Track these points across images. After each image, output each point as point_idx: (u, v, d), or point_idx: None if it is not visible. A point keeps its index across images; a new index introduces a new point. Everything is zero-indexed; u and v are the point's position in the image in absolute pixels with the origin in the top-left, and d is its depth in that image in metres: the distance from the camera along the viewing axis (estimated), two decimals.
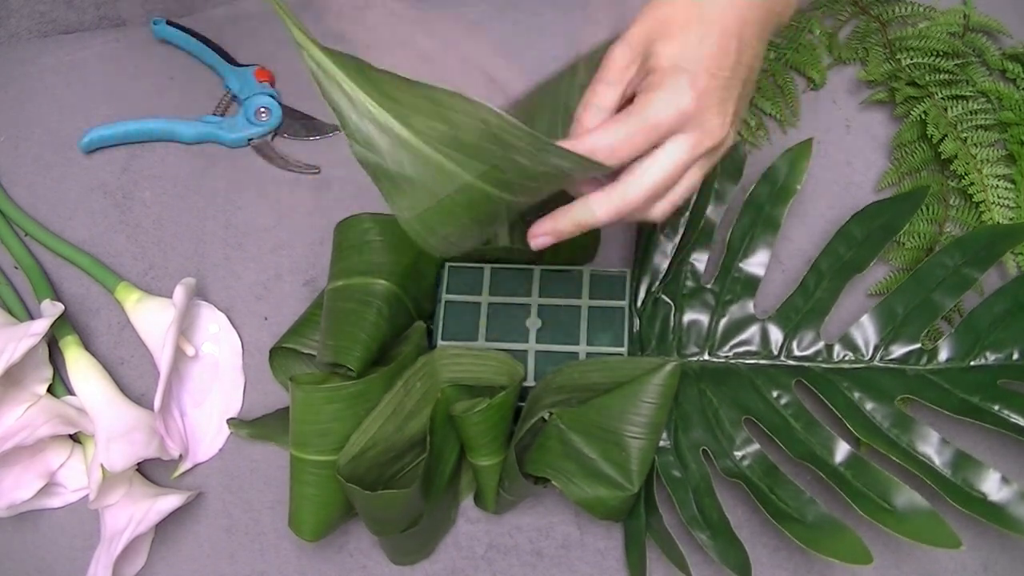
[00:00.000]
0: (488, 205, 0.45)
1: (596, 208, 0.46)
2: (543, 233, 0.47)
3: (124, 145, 0.76)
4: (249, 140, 0.75)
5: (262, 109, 0.75)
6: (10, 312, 0.68)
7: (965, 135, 0.67)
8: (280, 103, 0.76)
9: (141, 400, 0.67)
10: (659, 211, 0.47)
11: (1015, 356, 0.60)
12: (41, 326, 0.62)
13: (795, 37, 0.74)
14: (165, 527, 0.64)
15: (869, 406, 0.60)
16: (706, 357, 0.64)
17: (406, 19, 0.78)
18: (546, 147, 0.41)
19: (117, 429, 0.61)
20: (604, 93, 0.46)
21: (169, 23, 0.78)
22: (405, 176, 0.42)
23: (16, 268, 0.72)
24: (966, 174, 0.66)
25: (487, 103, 0.39)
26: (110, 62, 0.79)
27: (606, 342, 0.62)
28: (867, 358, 0.62)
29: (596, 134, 0.44)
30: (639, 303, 0.65)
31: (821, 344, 0.63)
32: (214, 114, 0.76)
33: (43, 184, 0.75)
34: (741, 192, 0.65)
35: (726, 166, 0.65)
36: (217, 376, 0.68)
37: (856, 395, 0.60)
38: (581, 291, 0.63)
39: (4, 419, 0.61)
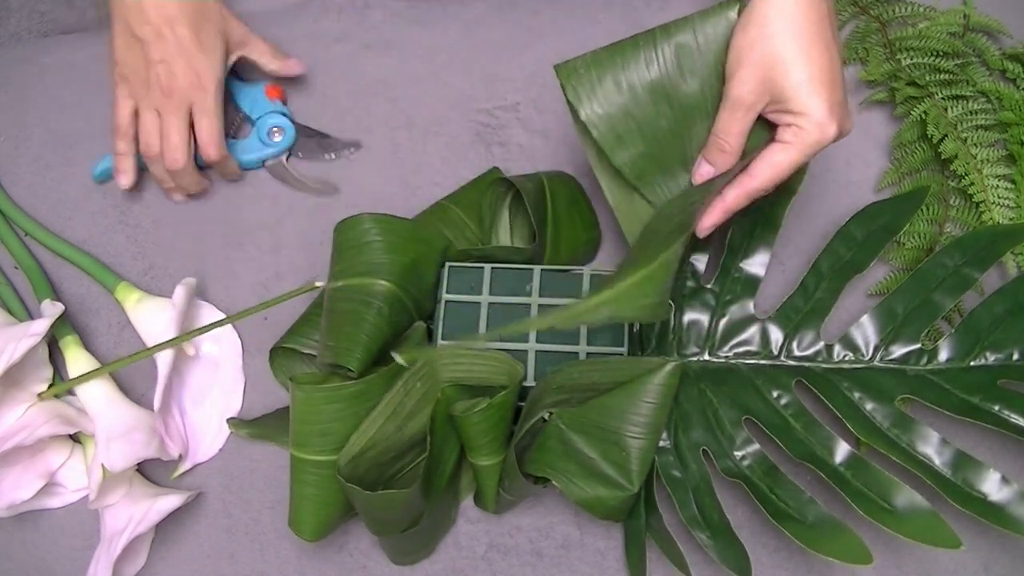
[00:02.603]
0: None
1: (734, 201, 0.57)
2: (711, 224, 0.57)
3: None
4: (263, 162, 0.73)
5: (275, 129, 0.72)
6: (10, 312, 0.68)
7: (965, 135, 0.67)
8: (293, 122, 0.73)
9: (141, 400, 0.67)
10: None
11: (1015, 356, 0.60)
12: (41, 326, 0.62)
13: None
14: (165, 527, 0.64)
15: (869, 406, 0.60)
16: (706, 357, 0.64)
17: (406, 19, 0.78)
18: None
19: (117, 429, 0.61)
20: (745, 120, 0.54)
21: None
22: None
23: (16, 268, 0.72)
24: (966, 174, 0.66)
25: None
26: (110, 62, 0.79)
27: (606, 342, 0.62)
28: (867, 358, 0.62)
29: (775, 171, 0.54)
30: None
31: (821, 344, 0.63)
32: (227, 136, 0.72)
33: (43, 184, 0.75)
34: None
35: None
36: (217, 376, 0.68)
37: (856, 395, 0.60)
38: (581, 291, 0.63)
39: (4, 419, 0.61)
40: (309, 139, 0.74)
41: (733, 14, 0.55)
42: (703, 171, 0.58)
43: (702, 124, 0.57)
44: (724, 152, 0.56)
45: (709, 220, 0.56)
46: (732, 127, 0.54)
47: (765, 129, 0.55)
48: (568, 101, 0.57)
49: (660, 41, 0.56)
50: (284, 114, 0.74)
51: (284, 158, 0.73)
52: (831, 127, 0.52)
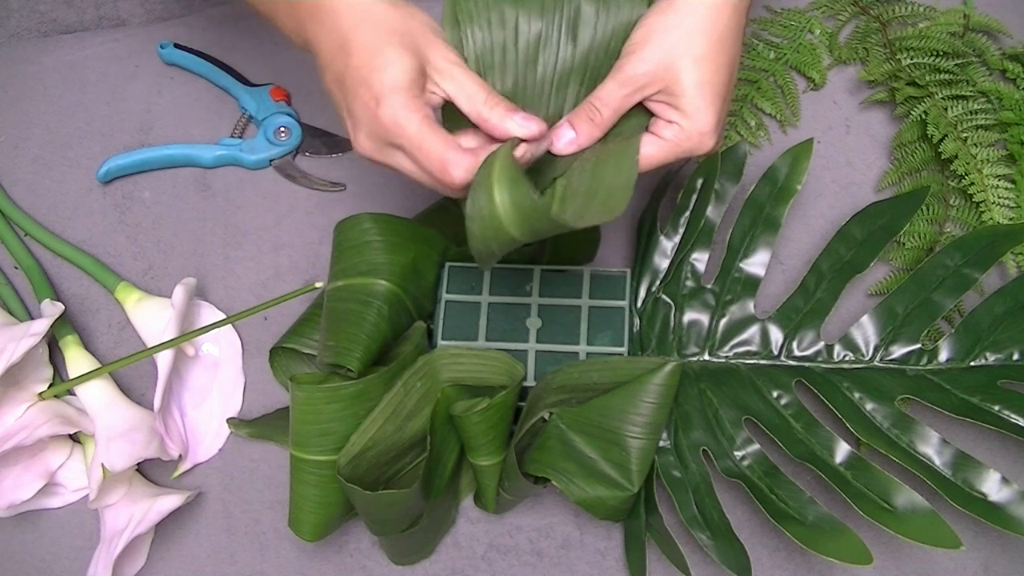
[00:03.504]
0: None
1: None
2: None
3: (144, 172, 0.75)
4: (271, 161, 0.74)
5: (282, 129, 0.74)
6: (10, 312, 0.68)
7: (965, 135, 0.67)
8: (299, 122, 0.75)
9: (141, 400, 0.67)
10: None
11: (1015, 356, 0.60)
12: (41, 326, 0.62)
13: (795, 37, 0.74)
14: (165, 527, 0.64)
15: (869, 406, 0.60)
16: (706, 357, 0.64)
17: None
18: None
19: (117, 429, 0.61)
20: (628, 99, 0.52)
21: (177, 46, 0.77)
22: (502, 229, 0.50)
23: (16, 268, 0.72)
24: (966, 174, 0.66)
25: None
26: (110, 62, 0.79)
27: (606, 342, 0.62)
28: (867, 358, 0.62)
29: (648, 159, 0.52)
30: (639, 303, 0.65)
31: (821, 344, 0.63)
32: (232, 136, 0.75)
33: (43, 184, 0.75)
34: (741, 192, 0.65)
35: (726, 166, 0.65)
36: (217, 376, 0.68)
37: (856, 395, 0.60)
38: (581, 291, 0.63)
39: (4, 419, 0.61)
40: (315, 138, 0.75)
41: (644, 7, 0.53)
42: (563, 134, 0.53)
43: (571, 90, 0.56)
44: (592, 122, 0.52)
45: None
46: (612, 101, 0.52)
47: (640, 117, 0.53)
48: (456, 15, 0.55)
49: None
50: (289, 114, 0.75)
51: (291, 157, 0.74)
52: (710, 141, 0.51)
